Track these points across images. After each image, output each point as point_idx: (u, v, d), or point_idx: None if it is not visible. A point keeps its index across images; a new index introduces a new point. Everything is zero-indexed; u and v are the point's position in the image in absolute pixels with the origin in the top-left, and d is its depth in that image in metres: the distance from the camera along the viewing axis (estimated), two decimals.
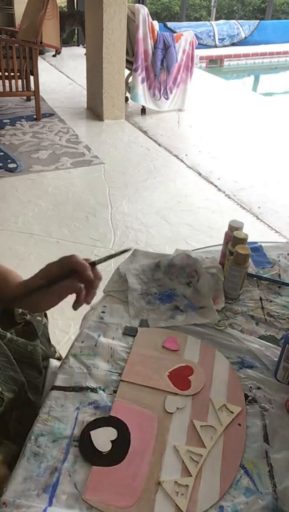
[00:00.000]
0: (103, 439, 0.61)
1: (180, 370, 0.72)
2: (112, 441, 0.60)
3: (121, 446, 0.60)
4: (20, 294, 0.69)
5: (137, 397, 0.67)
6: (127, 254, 0.80)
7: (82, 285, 0.69)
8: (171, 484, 0.56)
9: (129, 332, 0.81)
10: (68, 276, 0.67)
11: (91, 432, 0.61)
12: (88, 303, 0.70)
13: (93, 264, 0.68)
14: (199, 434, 0.62)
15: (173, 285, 0.92)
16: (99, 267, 0.70)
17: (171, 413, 0.65)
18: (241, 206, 2.86)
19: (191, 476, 0.57)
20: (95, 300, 0.76)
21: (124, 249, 0.74)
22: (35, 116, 4.13)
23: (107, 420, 0.63)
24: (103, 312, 0.86)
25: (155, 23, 4.13)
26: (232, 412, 0.65)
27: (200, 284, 0.90)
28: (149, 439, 0.61)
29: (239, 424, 0.63)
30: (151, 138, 3.89)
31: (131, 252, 0.76)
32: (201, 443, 0.61)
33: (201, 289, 0.89)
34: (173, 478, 0.57)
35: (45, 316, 0.92)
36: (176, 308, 0.87)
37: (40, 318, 0.89)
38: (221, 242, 0.97)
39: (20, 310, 0.85)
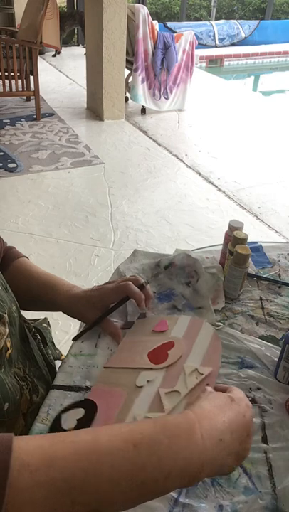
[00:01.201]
0: (69, 418, 0.62)
1: (161, 348, 0.71)
2: (77, 420, 0.61)
3: (85, 423, 0.61)
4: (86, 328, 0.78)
5: (114, 380, 0.67)
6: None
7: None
8: None
9: (126, 326, 0.81)
10: (121, 305, 0.76)
11: (61, 414, 0.63)
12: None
13: (142, 287, 0.76)
14: (161, 400, 0.60)
15: (172, 285, 0.92)
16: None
17: (141, 387, 0.64)
18: (241, 206, 2.86)
19: None
20: None
21: (145, 282, 0.81)
22: (35, 116, 4.13)
23: (79, 403, 0.65)
24: None
25: (155, 23, 4.13)
26: (202, 374, 0.63)
27: (199, 284, 0.90)
28: (113, 414, 0.61)
29: (207, 384, 0.60)
30: (151, 138, 3.89)
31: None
32: (162, 409, 0.60)
33: (200, 289, 0.89)
34: None
35: (48, 323, 0.96)
36: (174, 307, 0.87)
37: (46, 325, 0.93)
38: (221, 242, 0.97)
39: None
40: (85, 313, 0.77)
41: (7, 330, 0.62)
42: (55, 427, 0.61)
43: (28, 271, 0.81)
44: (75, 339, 0.76)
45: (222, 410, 0.49)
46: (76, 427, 0.60)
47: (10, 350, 0.64)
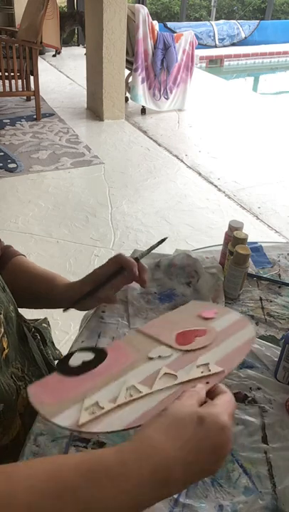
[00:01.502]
0: (78, 358, 0.63)
1: (192, 332, 0.68)
2: (83, 362, 0.62)
3: (88, 367, 0.62)
4: (71, 302, 0.74)
5: (135, 342, 0.66)
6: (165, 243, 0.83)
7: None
8: (92, 402, 0.54)
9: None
10: (115, 276, 0.72)
11: (74, 352, 0.63)
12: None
13: (137, 260, 0.73)
14: (157, 377, 0.58)
15: (172, 285, 0.92)
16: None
17: (151, 359, 0.63)
18: (241, 206, 2.86)
19: (114, 403, 0.54)
20: None
21: (162, 239, 0.79)
22: (35, 116, 4.13)
23: (94, 349, 0.66)
24: (103, 312, 0.86)
25: (155, 23, 4.13)
26: (210, 370, 0.60)
27: (199, 284, 0.90)
28: (113, 367, 0.61)
29: (207, 382, 0.57)
30: (151, 138, 3.89)
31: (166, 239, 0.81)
32: (151, 386, 0.57)
33: (201, 289, 0.89)
34: (96, 399, 0.55)
35: (48, 323, 0.96)
36: (176, 308, 0.87)
37: (45, 325, 0.93)
38: (221, 242, 0.97)
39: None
40: (86, 303, 0.75)
41: (2, 330, 0.62)
42: (64, 362, 0.62)
43: (26, 268, 0.81)
44: (65, 310, 0.73)
45: (177, 439, 0.42)
46: (79, 368, 0.61)
47: (6, 350, 0.64)
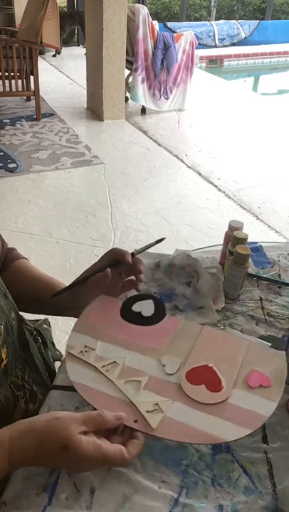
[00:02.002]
0: (140, 306, 0.72)
1: (213, 379, 0.62)
2: (142, 315, 0.70)
3: (142, 321, 0.69)
4: (70, 308, 0.74)
5: (185, 331, 0.69)
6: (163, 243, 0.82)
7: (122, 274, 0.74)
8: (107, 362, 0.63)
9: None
10: (110, 267, 0.71)
11: (140, 297, 0.73)
12: (138, 290, 0.73)
13: (132, 254, 0.73)
14: (141, 386, 0.60)
15: (173, 285, 0.92)
16: None
17: (163, 364, 0.63)
18: (241, 206, 2.86)
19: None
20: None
21: (160, 239, 0.78)
22: (35, 116, 4.13)
23: (157, 302, 0.73)
24: None
25: (155, 23, 4.13)
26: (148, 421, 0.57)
27: (200, 284, 0.90)
28: (151, 340, 0.67)
29: (135, 421, 0.56)
30: (151, 138, 3.89)
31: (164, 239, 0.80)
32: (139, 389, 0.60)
33: (201, 289, 0.89)
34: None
35: (49, 324, 0.96)
36: (176, 308, 0.87)
37: (46, 326, 0.93)
38: (221, 242, 0.97)
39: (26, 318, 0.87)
40: (82, 298, 0.73)
41: (1, 340, 0.62)
42: (129, 303, 0.71)
43: (26, 272, 0.81)
44: (54, 295, 0.72)
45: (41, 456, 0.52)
46: (136, 317, 0.70)
47: (5, 361, 0.64)
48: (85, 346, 0.65)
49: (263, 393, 0.58)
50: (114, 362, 0.62)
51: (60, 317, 1.93)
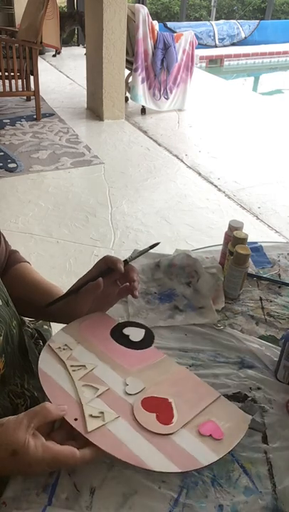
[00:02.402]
0: (130, 331, 0.73)
1: (164, 411, 0.62)
2: (130, 339, 0.72)
3: (130, 344, 0.71)
4: (64, 316, 0.73)
5: (162, 366, 0.69)
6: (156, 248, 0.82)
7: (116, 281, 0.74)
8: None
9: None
10: (102, 275, 0.70)
11: (132, 324, 0.75)
12: (135, 296, 0.72)
13: (126, 262, 0.72)
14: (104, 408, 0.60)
15: (172, 285, 0.92)
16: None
17: (126, 384, 0.64)
18: (241, 206, 2.86)
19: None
20: None
21: (154, 244, 0.77)
22: (35, 116, 4.13)
23: (147, 331, 0.74)
24: None
25: (155, 23, 4.13)
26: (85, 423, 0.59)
27: (200, 284, 0.90)
28: (134, 363, 0.68)
29: (76, 419, 0.58)
30: (151, 138, 3.89)
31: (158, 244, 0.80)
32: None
33: (201, 289, 0.89)
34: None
35: (49, 324, 0.95)
36: (176, 308, 0.87)
37: (46, 327, 0.93)
38: (221, 242, 0.97)
39: (27, 320, 0.87)
40: (77, 306, 0.73)
41: None
42: (120, 327, 0.74)
43: (25, 276, 0.80)
44: (48, 305, 0.71)
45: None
46: (125, 339, 0.71)
47: (2, 371, 0.64)
48: (65, 345, 0.68)
49: (210, 443, 0.58)
50: (84, 366, 0.65)
51: None
